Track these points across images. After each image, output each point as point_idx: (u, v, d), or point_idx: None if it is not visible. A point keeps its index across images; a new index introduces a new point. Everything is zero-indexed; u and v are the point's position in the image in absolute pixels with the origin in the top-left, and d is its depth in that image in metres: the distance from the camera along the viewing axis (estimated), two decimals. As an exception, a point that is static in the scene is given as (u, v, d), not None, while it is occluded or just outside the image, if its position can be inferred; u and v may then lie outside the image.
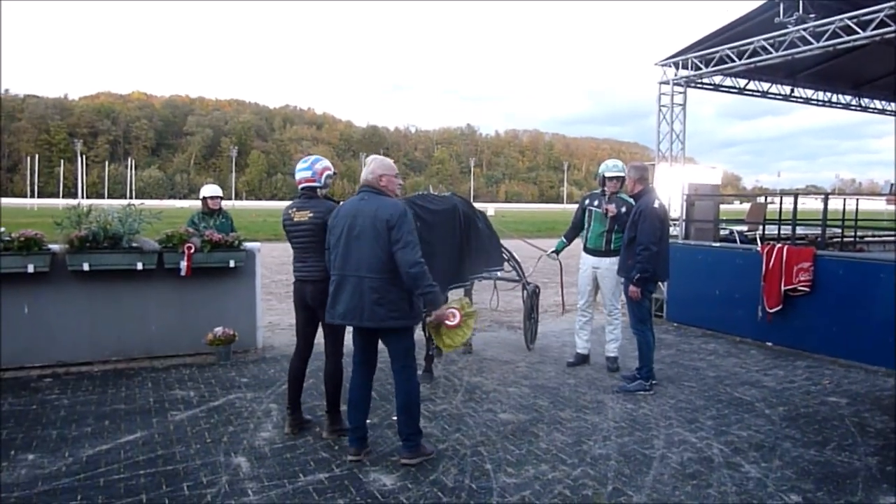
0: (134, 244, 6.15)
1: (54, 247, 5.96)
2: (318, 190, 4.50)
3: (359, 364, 4.22)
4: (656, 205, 5.59)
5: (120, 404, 5.10)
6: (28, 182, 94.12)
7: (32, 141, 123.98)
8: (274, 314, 9.15)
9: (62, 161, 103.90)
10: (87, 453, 4.13)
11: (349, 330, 4.32)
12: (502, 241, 7.11)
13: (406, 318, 4.04)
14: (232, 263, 6.51)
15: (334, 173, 4.57)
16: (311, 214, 4.35)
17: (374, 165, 4.14)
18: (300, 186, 4.55)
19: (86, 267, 5.91)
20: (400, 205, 4.05)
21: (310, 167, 4.50)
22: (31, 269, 5.73)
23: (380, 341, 4.21)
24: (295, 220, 4.42)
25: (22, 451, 4.14)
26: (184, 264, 6.25)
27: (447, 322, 4.61)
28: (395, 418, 4.84)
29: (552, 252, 6.84)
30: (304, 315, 4.59)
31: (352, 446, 4.16)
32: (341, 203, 4.29)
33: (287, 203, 4.78)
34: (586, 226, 6.45)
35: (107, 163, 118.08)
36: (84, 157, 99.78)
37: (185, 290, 6.45)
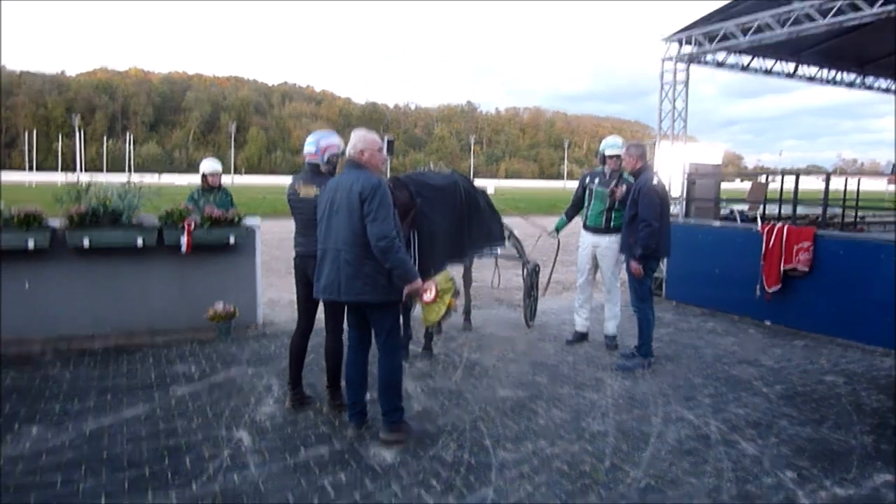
0: (134, 220, 6.14)
1: (54, 223, 5.96)
2: (322, 166, 4.47)
3: (352, 339, 4.23)
4: (655, 182, 5.59)
5: (122, 379, 5.13)
6: (26, 157, 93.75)
7: (30, 116, 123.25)
8: (274, 290, 9.17)
9: (60, 136, 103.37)
10: (90, 427, 4.17)
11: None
12: (503, 219, 7.11)
13: (384, 293, 3.96)
14: (232, 240, 6.50)
15: (341, 152, 4.52)
16: (317, 192, 4.32)
17: (355, 139, 4.10)
18: (306, 161, 4.55)
19: (86, 243, 5.90)
20: (375, 178, 3.98)
21: (315, 143, 4.49)
22: (31, 245, 5.72)
23: None
24: (301, 195, 4.41)
25: (25, 424, 4.18)
26: (184, 241, 6.25)
27: (423, 297, 4.61)
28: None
29: (552, 230, 6.83)
30: (305, 290, 4.59)
31: (351, 422, 4.19)
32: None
33: (289, 179, 4.77)
34: (586, 204, 6.44)
35: (105, 138, 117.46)
36: (82, 132, 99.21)
37: (185, 266, 6.45)
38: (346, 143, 4.28)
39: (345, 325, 4.49)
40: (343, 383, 4.43)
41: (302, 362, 4.67)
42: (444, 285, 4.63)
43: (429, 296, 4.50)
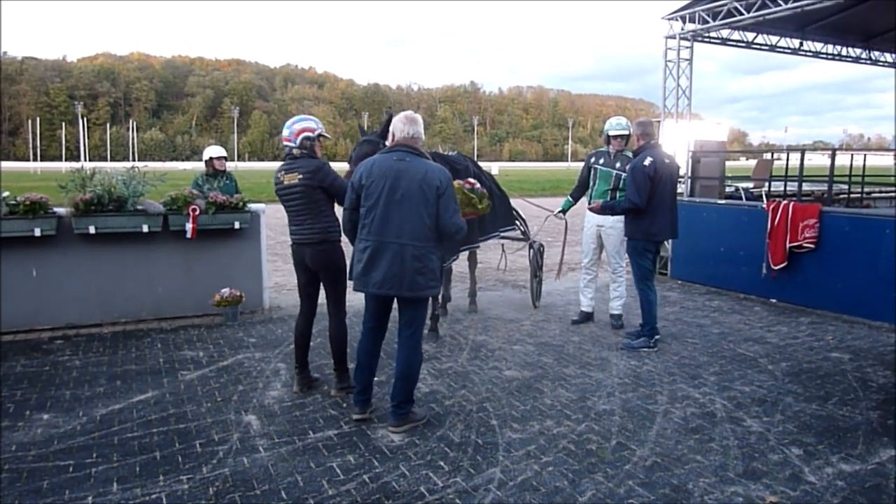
0: (139, 207, 6.16)
1: (60, 210, 5.98)
2: (295, 150, 4.36)
3: (370, 329, 4.09)
4: (647, 162, 5.48)
5: (131, 365, 5.18)
6: (30, 145, 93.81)
7: (33, 104, 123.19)
8: (280, 275, 9.20)
9: (63, 124, 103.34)
10: (101, 412, 4.21)
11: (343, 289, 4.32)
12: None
13: (438, 287, 3.93)
14: (237, 225, 6.52)
15: (317, 136, 4.41)
16: (300, 176, 4.28)
17: (419, 127, 3.93)
18: (283, 145, 4.51)
19: (92, 230, 5.93)
20: (446, 170, 3.90)
21: (289, 126, 4.41)
22: (37, 232, 5.76)
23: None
24: (285, 183, 4.35)
25: (37, 411, 4.23)
26: (189, 226, 6.27)
27: (466, 187, 5.01)
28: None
29: (559, 211, 6.83)
30: (305, 276, 4.60)
31: (356, 406, 4.15)
32: (369, 160, 3.95)
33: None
34: (591, 184, 6.42)
35: (108, 125, 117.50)
36: (85, 119, 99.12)
37: (190, 252, 6.48)
38: (327, 126, 4.26)
39: (347, 309, 4.49)
40: (351, 365, 4.44)
41: (308, 346, 4.70)
42: (480, 208, 5.15)
43: (472, 184, 5.10)
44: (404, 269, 3.74)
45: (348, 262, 4.18)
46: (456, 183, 4.73)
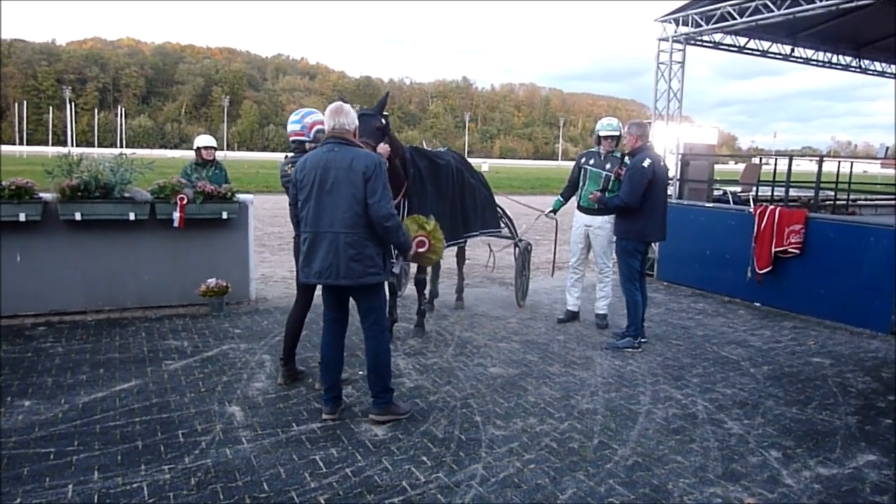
0: (126, 194, 6.12)
1: (46, 195, 5.93)
2: (307, 144, 4.42)
3: (330, 322, 4.08)
4: (646, 163, 5.54)
5: (114, 353, 5.14)
6: (16, 129, 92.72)
7: (20, 87, 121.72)
8: (267, 266, 9.16)
9: (51, 108, 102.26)
10: (83, 400, 4.19)
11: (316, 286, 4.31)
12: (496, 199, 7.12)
13: (380, 274, 3.90)
14: (225, 215, 6.49)
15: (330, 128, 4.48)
16: None
17: (343, 115, 3.88)
18: (290, 139, 4.51)
19: (78, 216, 5.88)
20: (375, 156, 3.91)
21: (299, 120, 4.45)
22: (22, 217, 5.70)
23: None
24: (292, 175, 4.36)
25: (18, 397, 4.19)
26: (176, 215, 6.23)
27: (419, 250, 4.91)
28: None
29: (549, 211, 6.85)
30: None
31: (326, 406, 4.06)
32: (304, 156, 3.98)
33: (280, 155, 4.74)
34: (581, 184, 6.44)
35: (96, 110, 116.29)
36: (73, 104, 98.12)
37: (177, 241, 6.44)
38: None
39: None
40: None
41: (297, 338, 4.69)
42: (428, 229, 4.87)
43: (424, 247, 4.74)
44: (339, 257, 3.77)
45: None
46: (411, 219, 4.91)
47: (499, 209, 7.16)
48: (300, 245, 3.95)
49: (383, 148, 4.85)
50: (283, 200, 4.62)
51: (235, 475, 3.32)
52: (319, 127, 4.43)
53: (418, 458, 3.58)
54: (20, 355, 4.99)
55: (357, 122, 3.99)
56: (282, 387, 4.54)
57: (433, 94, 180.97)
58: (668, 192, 9.16)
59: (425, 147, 6.59)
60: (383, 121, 5.03)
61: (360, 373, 4.88)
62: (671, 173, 9.39)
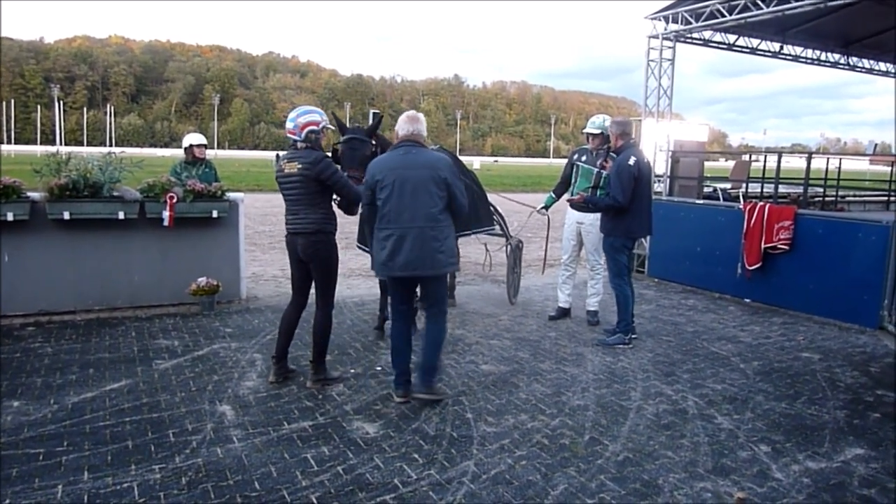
0: (115, 193, 6.08)
1: (34, 195, 5.88)
2: (299, 143, 4.38)
3: (401, 313, 4.42)
4: (631, 161, 5.57)
5: (104, 353, 5.12)
6: (4, 128, 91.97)
7: (7, 85, 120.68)
8: (258, 265, 9.13)
9: (38, 107, 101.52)
10: (73, 400, 4.16)
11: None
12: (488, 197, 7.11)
13: (456, 263, 4.44)
14: (215, 214, 6.46)
15: (321, 129, 4.45)
16: (299, 166, 4.28)
17: (420, 125, 4.32)
18: (286, 136, 4.51)
19: (66, 216, 5.85)
20: (446, 156, 4.45)
21: (294, 119, 4.41)
22: (10, 216, 5.65)
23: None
24: (286, 171, 4.35)
25: (7, 398, 4.16)
26: (166, 214, 6.20)
27: None
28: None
29: (542, 207, 6.85)
30: (299, 270, 4.57)
31: (399, 389, 4.34)
32: (378, 159, 4.36)
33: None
34: (573, 181, 6.46)
35: (85, 109, 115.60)
36: (61, 102, 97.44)
37: (167, 240, 6.41)
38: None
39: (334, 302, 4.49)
40: (329, 357, 4.44)
41: (291, 337, 4.66)
42: None
43: None
44: (425, 249, 4.14)
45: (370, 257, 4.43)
46: None
47: (491, 207, 7.15)
48: (380, 242, 4.22)
49: None
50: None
51: (226, 474, 3.31)
52: (313, 128, 4.38)
53: (410, 455, 3.58)
54: (9, 356, 4.95)
55: (424, 132, 4.37)
56: (273, 385, 4.53)
57: (425, 91, 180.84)
58: (658, 190, 9.28)
59: None
60: (374, 147, 5.03)
61: (352, 371, 4.89)
62: (662, 170, 9.46)
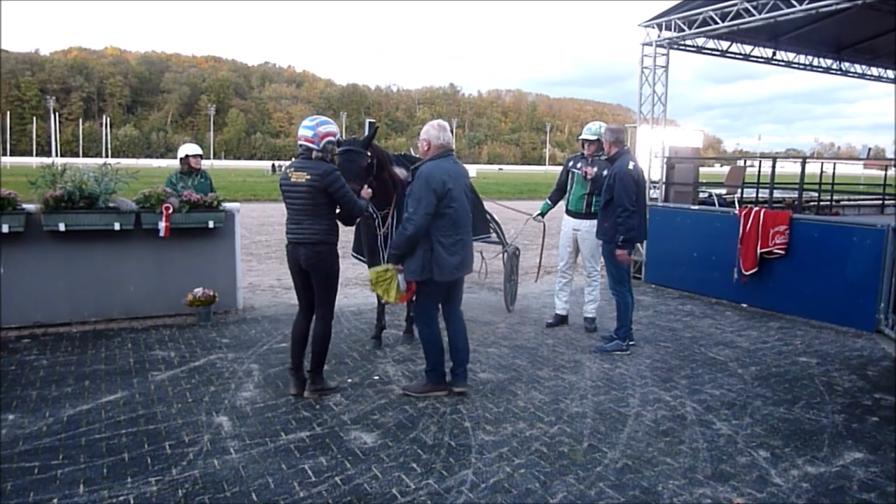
0: (111, 204, 6.07)
1: (29, 206, 5.87)
2: (315, 153, 4.32)
3: (438, 311, 4.71)
4: (630, 167, 5.59)
5: (100, 365, 5.09)
6: (0, 140, 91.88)
7: (3, 97, 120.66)
8: (254, 275, 9.12)
9: (34, 118, 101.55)
10: (68, 413, 4.14)
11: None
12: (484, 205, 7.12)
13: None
14: (211, 224, 6.45)
15: (337, 141, 4.46)
16: (308, 177, 4.24)
17: (447, 132, 4.56)
18: (299, 143, 4.45)
19: (62, 227, 5.83)
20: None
21: (313, 127, 4.34)
22: (5, 228, 5.64)
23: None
24: (292, 180, 4.30)
25: (2, 411, 4.14)
26: (162, 225, 6.19)
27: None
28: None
29: (537, 214, 6.86)
30: (301, 280, 4.52)
31: (465, 380, 4.65)
32: (439, 168, 4.37)
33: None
34: (569, 188, 6.47)
35: (81, 120, 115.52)
36: (57, 114, 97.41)
37: (163, 250, 6.40)
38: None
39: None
40: (326, 367, 4.43)
41: (304, 347, 4.59)
42: (371, 279, 4.73)
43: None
44: (470, 252, 4.61)
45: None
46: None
47: (487, 214, 7.16)
48: (448, 248, 4.39)
49: (367, 192, 4.83)
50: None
51: (223, 486, 3.29)
52: (331, 139, 4.37)
53: (408, 465, 3.56)
54: (4, 368, 4.93)
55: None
56: (272, 396, 4.50)
57: (420, 100, 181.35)
58: (654, 196, 9.31)
59: (413, 154, 6.58)
60: (370, 158, 5.00)
61: (350, 380, 4.87)
62: (657, 177, 9.49)
